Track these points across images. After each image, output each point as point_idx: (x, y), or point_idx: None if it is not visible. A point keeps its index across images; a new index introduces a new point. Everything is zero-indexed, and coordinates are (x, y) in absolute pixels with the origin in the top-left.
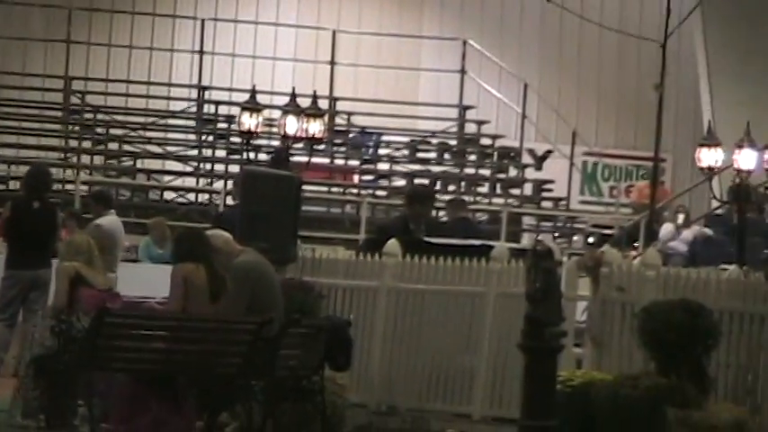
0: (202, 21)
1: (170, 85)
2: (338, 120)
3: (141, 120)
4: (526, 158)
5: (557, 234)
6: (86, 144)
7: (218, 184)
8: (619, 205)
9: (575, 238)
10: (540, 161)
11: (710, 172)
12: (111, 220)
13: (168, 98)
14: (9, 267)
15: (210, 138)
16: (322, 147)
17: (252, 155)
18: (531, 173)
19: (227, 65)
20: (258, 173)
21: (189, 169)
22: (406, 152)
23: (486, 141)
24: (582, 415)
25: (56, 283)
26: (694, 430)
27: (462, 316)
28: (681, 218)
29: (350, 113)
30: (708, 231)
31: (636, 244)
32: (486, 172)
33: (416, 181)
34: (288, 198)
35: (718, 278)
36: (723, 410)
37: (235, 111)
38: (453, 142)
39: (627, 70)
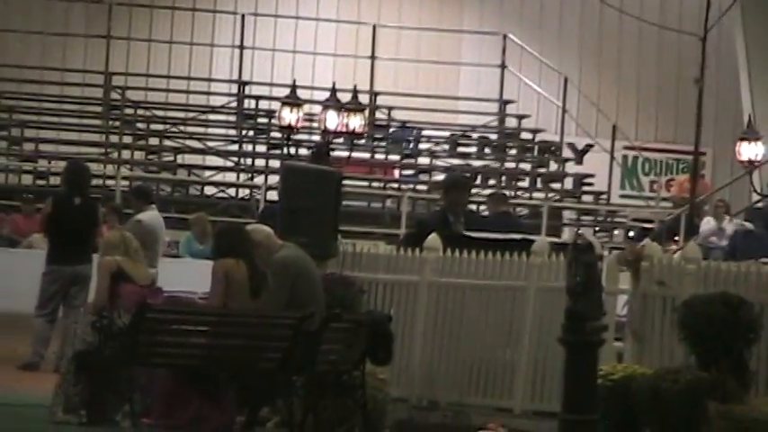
0: (242, 16)
1: (210, 80)
2: (378, 114)
3: (182, 115)
4: (566, 153)
5: (597, 228)
6: (127, 139)
7: (259, 180)
8: (659, 199)
9: (615, 232)
10: (580, 155)
11: (751, 166)
12: (151, 216)
13: (208, 93)
14: (50, 263)
15: (251, 133)
16: (362, 141)
17: (292, 150)
18: (571, 167)
19: (267, 60)
20: (298, 168)
21: (229, 164)
22: (446, 147)
23: (526, 136)
24: (622, 409)
25: (97, 280)
26: (735, 424)
27: (503, 310)
28: (726, 220)
29: (390, 108)
30: (748, 225)
31: (676, 238)
32: (526, 166)
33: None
34: (328, 193)
35: (758, 271)
36: (764, 404)
37: (275, 106)
38: (494, 137)
39: (667, 64)
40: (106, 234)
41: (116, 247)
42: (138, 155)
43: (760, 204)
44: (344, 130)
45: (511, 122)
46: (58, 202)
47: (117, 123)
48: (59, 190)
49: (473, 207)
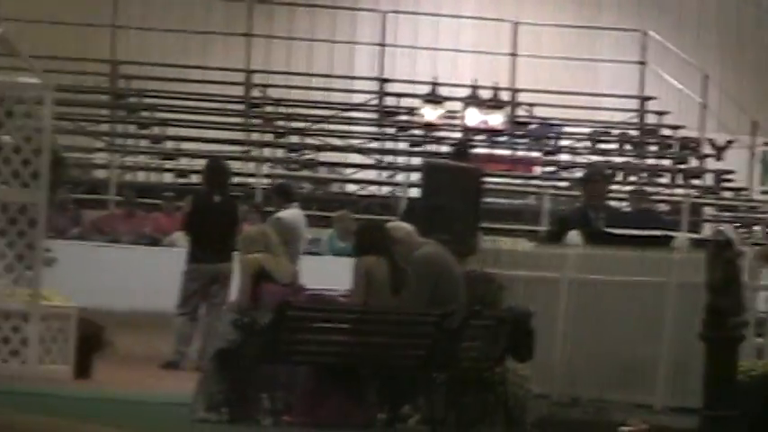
0: (383, 13)
1: (351, 77)
2: (519, 111)
3: (322, 113)
4: (707, 149)
5: (737, 224)
6: (268, 137)
7: (400, 177)
8: None
9: (755, 228)
10: (720, 151)
11: None
12: (292, 213)
13: (349, 91)
14: (190, 261)
15: (392, 130)
16: (503, 138)
17: (433, 147)
18: (711, 163)
19: (408, 57)
20: (440, 165)
21: (370, 162)
22: (586, 143)
23: (666, 132)
24: (763, 405)
25: (240, 279)
26: None
27: (643, 306)
28: None
29: (531, 105)
30: None
31: None
32: (666, 163)
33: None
34: (469, 190)
35: None
36: None
37: (416, 103)
38: (634, 133)
39: None
40: (246, 229)
41: (256, 241)
42: (279, 153)
43: None
44: (485, 127)
45: (651, 119)
46: (199, 201)
47: (258, 121)
48: (200, 188)
49: (614, 204)
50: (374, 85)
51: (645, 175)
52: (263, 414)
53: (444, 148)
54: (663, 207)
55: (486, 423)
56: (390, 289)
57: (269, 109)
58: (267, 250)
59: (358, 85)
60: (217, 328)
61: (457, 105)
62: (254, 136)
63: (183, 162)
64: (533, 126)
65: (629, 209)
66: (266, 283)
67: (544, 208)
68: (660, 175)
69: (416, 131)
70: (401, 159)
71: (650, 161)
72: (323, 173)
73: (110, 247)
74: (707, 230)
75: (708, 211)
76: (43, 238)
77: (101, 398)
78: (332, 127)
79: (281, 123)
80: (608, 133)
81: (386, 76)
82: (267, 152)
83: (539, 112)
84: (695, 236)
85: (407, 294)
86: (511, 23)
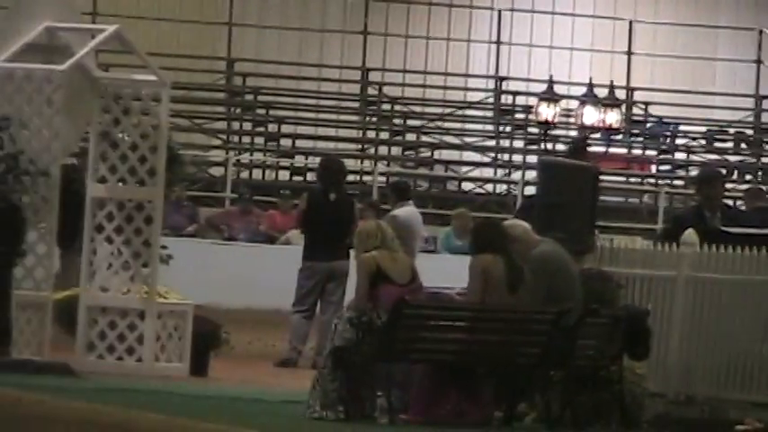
0: (499, 11)
1: (467, 75)
2: (635, 110)
3: (438, 111)
4: None
5: None
6: (384, 135)
7: (516, 175)
8: None
9: None
10: None
11: None
12: (407, 211)
13: (465, 89)
14: (306, 259)
15: (508, 128)
16: (619, 137)
17: (549, 145)
18: None
19: (524, 55)
20: (556, 163)
21: (486, 160)
22: (702, 142)
23: None
24: None
25: (357, 280)
26: None
27: (759, 305)
28: None
29: (647, 103)
30: None
31: None
32: None
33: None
34: (585, 188)
35: None
36: None
37: (532, 101)
38: (750, 132)
39: None
40: (361, 224)
41: (372, 236)
42: (395, 150)
43: None
44: (601, 125)
45: (766, 117)
46: (314, 199)
47: (374, 119)
48: (315, 186)
49: (730, 202)
50: (490, 83)
51: (760, 173)
52: (379, 412)
53: (560, 146)
54: None
55: (602, 421)
56: (507, 287)
57: (385, 107)
58: (383, 246)
59: (474, 83)
60: (333, 325)
61: (573, 103)
62: (371, 134)
63: (299, 160)
64: (649, 124)
65: (744, 208)
66: (383, 283)
67: (660, 206)
68: None
69: (533, 129)
70: (517, 157)
71: (766, 160)
72: (439, 171)
73: (225, 245)
74: None
75: None
76: (159, 235)
77: (216, 395)
78: (448, 125)
79: (397, 121)
80: (724, 132)
81: (502, 74)
82: (383, 150)
83: (654, 110)
84: None
85: (524, 292)
86: (627, 22)
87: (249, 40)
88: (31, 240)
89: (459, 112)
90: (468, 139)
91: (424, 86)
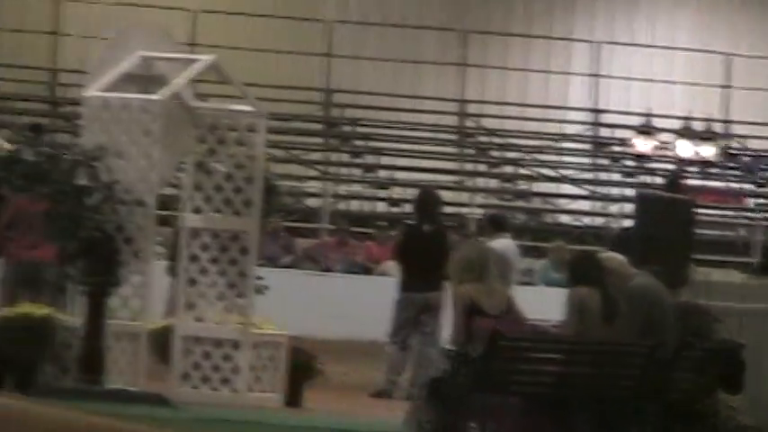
0: (598, 44)
1: (565, 108)
2: (732, 143)
3: (536, 143)
4: None
5: None
6: (481, 167)
7: (613, 208)
8: None
9: None
10: None
11: None
12: (504, 244)
13: (562, 121)
14: (402, 290)
15: (605, 161)
16: (715, 170)
17: (647, 178)
18: None
19: (621, 88)
20: (652, 196)
21: (583, 192)
22: None
23: None
24: None
25: (453, 314)
26: None
27: None
28: None
29: (744, 137)
30: None
31: None
32: None
33: None
34: (682, 221)
35: None
36: None
37: (629, 134)
38: None
39: None
40: (462, 251)
41: (467, 269)
42: (493, 183)
43: None
44: (697, 158)
45: None
46: (409, 230)
47: (472, 151)
48: (411, 217)
49: None
50: (588, 116)
51: None
52: None
53: (657, 179)
54: None
55: None
56: (602, 319)
57: (483, 139)
58: (480, 277)
59: (572, 115)
60: (428, 357)
61: (669, 136)
62: (468, 166)
63: (396, 191)
64: (746, 158)
65: None
66: (477, 315)
67: (755, 240)
68: None
69: (629, 162)
70: (614, 190)
71: None
72: (536, 203)
73: (322, 276)
74: None
75: None
76: (254, 265)
77: (311, 426)
78: (545, 157)
79: (494, 153)
80: None
81: (600, 106)
82: (480, 182)
83: (752, 144)
84: None
85: (619, 325)
86: (724, 55)
87: (346, 70)
88: (128, 270)
89: (557, 145)
90: (564, 172)
91: (521, 119)
